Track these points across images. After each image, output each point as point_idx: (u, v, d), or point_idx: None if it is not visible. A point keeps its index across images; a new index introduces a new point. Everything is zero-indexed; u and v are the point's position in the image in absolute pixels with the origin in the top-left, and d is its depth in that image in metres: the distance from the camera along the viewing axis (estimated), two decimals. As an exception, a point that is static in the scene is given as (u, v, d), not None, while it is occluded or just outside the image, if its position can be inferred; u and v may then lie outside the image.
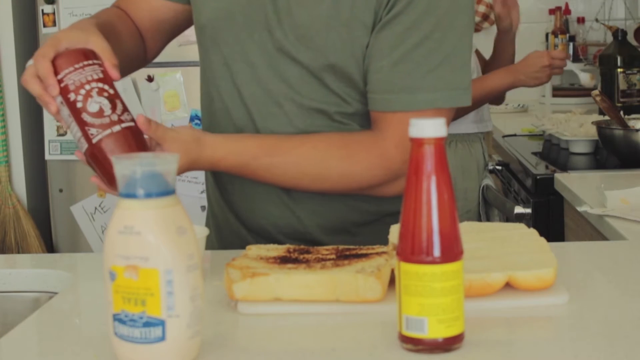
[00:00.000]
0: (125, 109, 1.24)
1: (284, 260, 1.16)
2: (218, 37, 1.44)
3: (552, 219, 2.40)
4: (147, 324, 0.90)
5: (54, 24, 3.37)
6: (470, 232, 1.22)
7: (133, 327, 0.90)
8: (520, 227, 1.28)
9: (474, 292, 1.07)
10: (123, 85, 3.21)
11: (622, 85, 3.30)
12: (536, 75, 2.70)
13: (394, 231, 1.20)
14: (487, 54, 4.51)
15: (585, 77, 3.33)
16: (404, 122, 1.26)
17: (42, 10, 3.37)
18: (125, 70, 1.43)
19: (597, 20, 4.54)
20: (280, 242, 1.44)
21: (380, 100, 1.37)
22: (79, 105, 1.22)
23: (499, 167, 2.96)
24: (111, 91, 1.24)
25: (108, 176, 1.21)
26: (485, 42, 4.64)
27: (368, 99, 1.39)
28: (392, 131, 1.35)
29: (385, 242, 1.23)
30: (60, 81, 1.23)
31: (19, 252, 3.36)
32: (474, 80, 2.74)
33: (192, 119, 3.33)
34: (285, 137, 1.38)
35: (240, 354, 0.98)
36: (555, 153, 2.82)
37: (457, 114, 2.69)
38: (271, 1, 1.39)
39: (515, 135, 3.25)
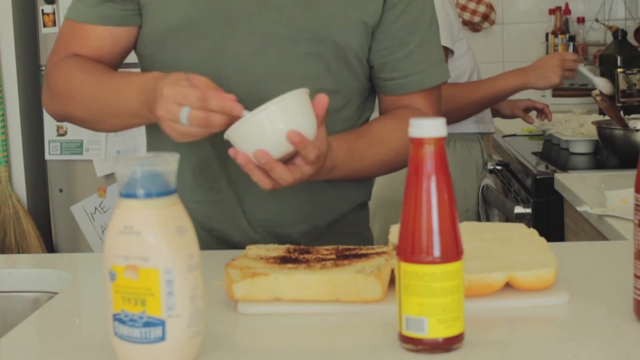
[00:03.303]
0: None
1: (284, 260, 1.16)
2: (198, 33, 1.41)
3: (552, 219, 2.40)
4: (147, 324, 0.90)
5: (54, 24, 3.37)
6: (470, 232, 1.22)
7: (133, 327, 0.90)
8: (520, 227, 1.28)
9: (474, 292, 1.07)
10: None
11: (622, 85, 3.30)
12: (546, 75, 2.66)
13: (394, 231, 1.20)
14: (486, 53, 4.52)
15: (601, 83, 3.00)
16: (435, 95, 1.53)
17: (42, 10, 3.37)
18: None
19: (597, 20, 4.54)
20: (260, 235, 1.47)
21: (412, 81, 1.49)
22: None
23: (499, 167, 2.96)
24: None
25: None
26: (485, 42, 4.66)
27: (392, 85, 1.49)
28: (429, 105, 1.51)
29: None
30: None
31: (19, 252, 3.36)
32: (484, 81, 2.74)
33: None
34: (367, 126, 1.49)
35: (240, 354, 0.98)
36: (555, 153, 2.82)
37: (467, 113, 2.69)
38: None
39: (515, 135, 3.25)
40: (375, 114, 1.56)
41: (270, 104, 1.19)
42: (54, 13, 3.36)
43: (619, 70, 3.30)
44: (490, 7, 4.66)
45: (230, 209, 1.47)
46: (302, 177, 1.25)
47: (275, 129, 1.19)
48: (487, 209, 2.76)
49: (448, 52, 2.55)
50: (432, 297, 0.92)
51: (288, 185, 1.24)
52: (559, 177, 2.33)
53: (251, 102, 1.37)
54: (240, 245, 1.45)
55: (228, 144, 1.43)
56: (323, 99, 1.23)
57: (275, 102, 1.19)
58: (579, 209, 2.01)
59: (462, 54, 2.65)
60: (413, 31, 1.47)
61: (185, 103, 1.19)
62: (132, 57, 1.54)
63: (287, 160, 1.23)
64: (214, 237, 1.49)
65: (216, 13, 1.41)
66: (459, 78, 2.65)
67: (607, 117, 2.68)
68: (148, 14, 1.44)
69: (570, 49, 4.49)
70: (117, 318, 0.92)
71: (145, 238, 0.89)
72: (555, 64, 2.65)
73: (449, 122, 3.11)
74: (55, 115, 1.51)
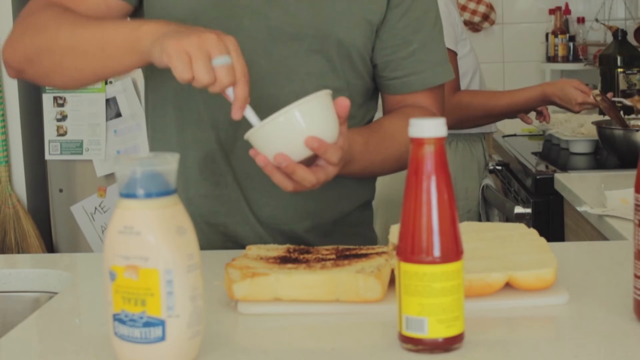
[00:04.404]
0: None
1: (284, 260, 1.16)
2: (203, 27, 1.41)
3: (552, 219, 2.40)
4: (147, 324, 0.90)
5: (54, 24, 3.36)
6: (470, 232, 1.22)
7: (133, 327, 0.90)
8: (520, 227, 1.28)
9: (474, 292, 1.07)
10: (123, 85, 3.21)
11: (622, 85, 3.30)
12: (569, 99, 2.66)
13: (394, 231, 1.20)
14: (486, 53, 4.51)
15: None
16: (439, 94, 1.54)
17: (42, 10, 3.37)
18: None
19: (597, 20, 4.54)
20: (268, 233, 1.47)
21: (416, 80, 1.50)
22: None
23: (499, 167, 2.96)
24: None
25: None
26: (485, 42, 4.66)
27: (396, 84, 1.50)
28: (433, 105, 1.52)
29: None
30: None
31: (19, 252, 3.36)
32: (504, 91, 2.75)
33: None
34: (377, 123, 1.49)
35: (240, 354, 0.98)
36: (555, 153, 2.82)
37: (483, 121, 2.70)
38: None
39: (515, 135, 3.25)
40: (379, 115, 1.56)
41: (292, 107, 1.17)
42: (54, 13, 3.35)
43: (619, 70, 3.30)
44: (490, 7, 4.66)
45: (236, 203, 1.47)
46: (327, 177, 1.24)
47: (296, 133, 1.18)
48: (487, 209, 2.76)
49: (452, 53, 2.54)
50: (432, 297, 0.92)
51: (312, 186, 1.23)
52: (559, 177, 2.33)
53: (255, 98, 1.35)
54: (245, 241, 1.44)
55: (233, 140, 1.43)
56: (344, 101, 1.23)
57: (297, 105, 1.18)
58: (579, 209, 2.01)
59: (465, 54, 2.65)
60: (417, 30, 1.49)
61: (230, 54, 1.18)
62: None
63: (312, 161, 1.23)
64: (219, 233, 1.49)
65: (221, 8, 1.41)
66: (462, 78, 2.66)
67: (607, 117, 2.68)
68: (151, 5, 1.43)
69: (571, 49, 4.50)
70: (117, 318, 0.92)
71: (145, 238, 0.89)
72: (577, 100, 2.65)
73: (463, 128, 3.09)
74: (17, 58, 1.38)
